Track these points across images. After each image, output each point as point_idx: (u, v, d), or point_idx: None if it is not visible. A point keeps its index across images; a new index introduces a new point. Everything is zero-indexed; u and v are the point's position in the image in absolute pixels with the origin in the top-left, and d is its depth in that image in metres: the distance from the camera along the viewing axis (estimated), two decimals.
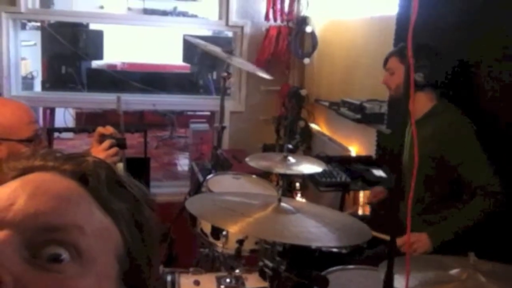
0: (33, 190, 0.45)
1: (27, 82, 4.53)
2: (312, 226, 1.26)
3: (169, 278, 1.76)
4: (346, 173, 2.71)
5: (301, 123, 3.96)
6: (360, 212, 3.04)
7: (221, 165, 2.33)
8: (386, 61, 2.16)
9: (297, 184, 3.61)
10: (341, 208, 2.86)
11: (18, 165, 0.50)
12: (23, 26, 4.34)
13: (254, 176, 2.30)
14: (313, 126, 4.04)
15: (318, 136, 3.94)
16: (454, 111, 1.98)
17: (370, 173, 2.72)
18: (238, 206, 1.29)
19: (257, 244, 1.94)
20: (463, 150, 1.88)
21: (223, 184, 2.19)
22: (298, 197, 3.53)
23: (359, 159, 3.06)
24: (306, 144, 3.99)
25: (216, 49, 2.43)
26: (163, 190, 4.12)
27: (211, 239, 1.99)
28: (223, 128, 2.44)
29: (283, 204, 1.32)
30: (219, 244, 1.95)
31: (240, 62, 2.77)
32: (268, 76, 2.63)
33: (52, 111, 5.41)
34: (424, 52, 1.98)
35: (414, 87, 1.96)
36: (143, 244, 0.51)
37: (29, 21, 4.56)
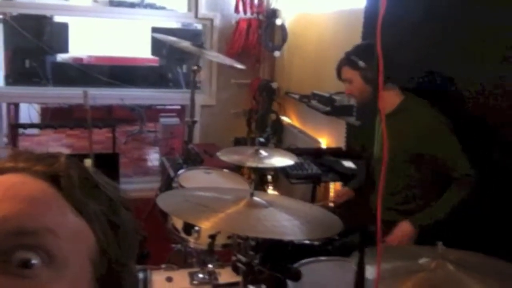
0: (3, 193, 0.44)
1: None
2: (285, 220, 1.26)
3: (141, 275, 1.74)
4: (317, 165, 2.74)
5: (272, 116, 3.97)
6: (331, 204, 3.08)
7: (192, 160, 2.30)
8: (339, 73, 2.18)
9: (269, 177, 3.62)
10: (313, 200, 2.89)
11: None
12: None
13: (225, 170, 2.29)
14: (284, 118, 4.05)
15: (288, 129, 3.96)
16: (424, 105, 2.01)
17: (340, 164, 2.75)
18: (210, 202, 1.28)
19: (230, 239, 1.94)
20: (438, 143, 1.93)
21: (195, 179, 2.17)
22: (270, 190, 3.54)
23: (329, 151, 3.09)
24: (277, 137, 4.00)
25: (186, 43, 2.40)
26: (133, 186, 4.06)
27: (183, 235, 1.97)
28: (194, 122, 2.42)
29: (255, 198, 1.31)
30: (191, 239, 1.94)
31: (211, 55, 2.74)
32: (241, 66, 2.62)
33: (17, 106, 5.23)
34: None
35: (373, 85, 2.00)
36: (118, 246, 0.50)
37: None
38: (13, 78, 4.74)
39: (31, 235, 0.42)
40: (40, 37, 4.61)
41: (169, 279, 1.72)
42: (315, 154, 2.97)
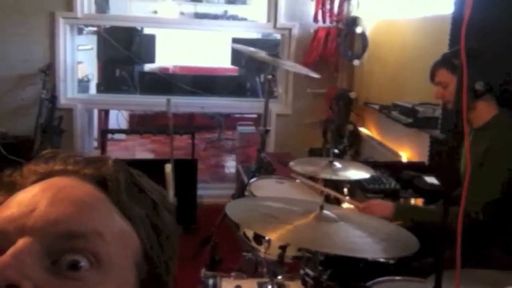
0: (53, 196, 0.45)
1: (83, 85, 4.70)
2: (356, 236, 1.20)
3: (210, 281, 1.75)
4: (396, 180, 2.61)
5: (350, 127, 3.86)
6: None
7: (264, 168, 2.30)
8: (433, 75, 2.04)
9: (345, 190, 3.52)
10: None
11: (38, 169, 0.49)
12: (80, 31, 4.51)
13: (298, 180, 2.25)
14: (362, 130, 3.93)
15: (367, 141, 3.83)
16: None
17: (421, 180, 2.60)
18: (279, 212, 1.25)
19: (300, 251, 1.90)
20: (495, 168, 1.80)
21: (266, 188, 2.16)
22: (346, 204, 3.44)
23: (410, 165, 2.94)
24: (355, 149, 3.89)
25: (261, 53, 2.41)
26: (210, 192, 4.15)
27: (253, 244, 1.96)
28: (266, 131, 2.41)
29: (325, 211, 1.27)
30: (261, 249, 1.92)
31: (286, 64, 2.73)
32: (315, 75, 2.58)
33: (106, 113, 5.61)
34: (479, 57, 1.86)
35: (474, 96, 1.87)
36: (161, 249, 0.50)
37: (86, 26, 4.73)
38: (104, 86, 5.10)
39: (80, 238, 0.43)
40: (130, 48, 4.92)
41: None
42: (395, 168, 2.83)
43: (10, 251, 0.40)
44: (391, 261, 1.84)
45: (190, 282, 1.85)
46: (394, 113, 3.03)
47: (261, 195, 2.03)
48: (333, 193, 1.98)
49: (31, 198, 0.45)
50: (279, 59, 2.44)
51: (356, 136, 3.91)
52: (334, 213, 1.29)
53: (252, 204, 1.46)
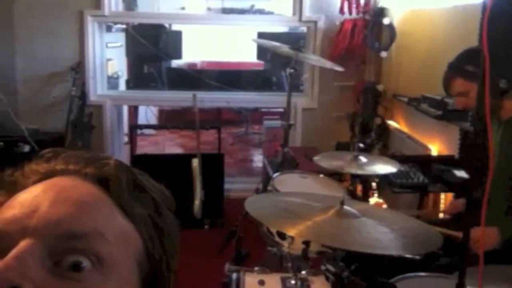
0: (55, 197, 0.45)
1: (113, 81, 4.78)
2: (378, 232, 1.18)
3: (234, 276, 1.76)
4: (424, 174, 2.55)
5: (377, 120, 3.79)
6: (441, 215, 2.85)
7: (288, 163, 2.28)
8: (448, 87, 1.97)
9: (373, 184, 3.46)
10: (419, 210, 2.70)
11: (39, 169, 0.50)
12: (109, 29, 4.58)
13: (321, 175, 2.23)
14: (391, 123, 3.85)
15: (395, 134, 3.75)
16: None
17: (451, 174, 2.53)
18: (298, 208, 1.24)
19: (325, 247, 1.88)
20: None
21: (289, 183, 2.15)
22: (375, 199, 3.39)
23: (439, 159, 2.86)
24: (383, 142, 3.81)
25: (283, 47, 2.39)
26: (237, 186, 4.17)
27: (277, 239, 1.96)
28: (290, 125, 2.39)
29: (346, 207, 1.25)
30: (285, 244, 1.91)
31: (309, 58, 2.70)
32: (339, 68, 2.53)
33: (136, 109, 5.70)
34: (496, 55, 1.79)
35: (499, 95, 1.79)
36: (162, 248, 0.50)
37: (115, 23, 4.81)
38: (133, 82, 5.18)
39: (82, 239, 0.43)
40: (157, 45, 4.97)
41: (261, 282, 1.71)
42: (423, 161, 2.76)
43: (13, 253, 0.41)
44: (417, 257, 1.81)
45: (215, 276, 1.87)
46: (423, 106, 2.96)
47: (284, 190, 2.02)
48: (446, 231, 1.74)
49: (32, 198, 0.45)
50: (301, 53, 2.41)
51: (384, 130, 3.83)
52: (356, 208, 1.27)
53: (272, 199, 1.45)
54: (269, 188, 2.13)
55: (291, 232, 1.14)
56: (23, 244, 0.42)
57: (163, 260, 0.50)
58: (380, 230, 1.20)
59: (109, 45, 4.41)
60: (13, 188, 0.48)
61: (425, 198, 2.76)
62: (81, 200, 0.46)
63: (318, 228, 1.15)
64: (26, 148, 3.55)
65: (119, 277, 0.45)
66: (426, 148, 3.21)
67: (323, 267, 1.35)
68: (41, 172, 0.49)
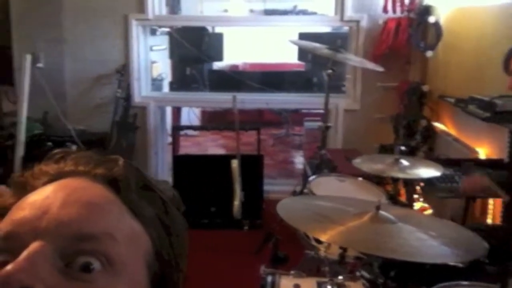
0: (65, 198, 0.46)
1: (157, 83, 4.89)
2: (414, 239, 1.13)
3: (269, 279, 1.74)
4: None
5: (423, 122, 3.67)
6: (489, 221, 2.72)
7: (325, 165, 2.24)
8: (507, 64, 1.87)
9: (418, 188, 3.35)
10: (465, 216, 2.59)
11: (49, 170, 0.50)
12: (154, 32, 4.70)
13: (360, 178, 2.18)
14: (437, 125, 3.72)
15: (442, 137, 3.61)
16: None
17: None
18: (331, 213, 1.21)
19: (361, 252, 1.83)
20: None
21: (326, 186, 2.11)
22: (420, 203, 3.28)
23: (487, 162, 2.73)
24: (428, 145, 3.68)
25: (322, 48, 2.35)
26: (276, 188, 4.14)
27: (313, 243, 1.93)
28: (327, 127, 2.35)
29: (382, 212, 1.20)
30: (322, 248, 1.88)
31: (347, 58, 2.64)
32: (380, 68, 2.46)
33: (179, 110, 5.80)
34: None
35: None
36: (171, 247, 0.50)
37: (159, 27, 4.92)
38: (176, 84, 5.28)
39: (92, 240, 0.43)
40: (199, 47, 5.04)
41: (297, 286, 1.69)
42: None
43: (24, 254, 0.41)
44: (461, 265, 1.73)
45: (252, 278, 1.86)
46: (471, 107, 2.83)
47: (320, 193, 1.98)
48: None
49: (43, 200, 0.46)
50: (340, 53, 2.36)
51: (430, 132, 3.69)
52: (393, 214, 1.23)
53: (305, 202, 1.42)
54: (305, 190, 2.10)
55: (322, 237, 1.11)
56: (34, 245, 0.42)
57: (172, 260, 0.50)
58: (417, 236, 1.15)
59: (153, 48, 4.51)
60: (23, 189, 0.49)
61: (472, 204, 2.63)
62: (91, 201, 0.46)
63: (351, 233, 1.12)
64: (73, 148, 3.69)
65: (129, 277, 0.45)
66: (474, 152, 3.08)
67: (358, 273, 1.31)
68: (51, 173, 0.50)
